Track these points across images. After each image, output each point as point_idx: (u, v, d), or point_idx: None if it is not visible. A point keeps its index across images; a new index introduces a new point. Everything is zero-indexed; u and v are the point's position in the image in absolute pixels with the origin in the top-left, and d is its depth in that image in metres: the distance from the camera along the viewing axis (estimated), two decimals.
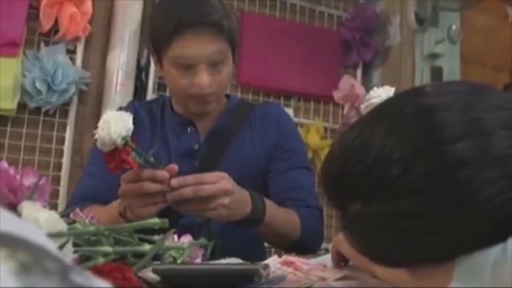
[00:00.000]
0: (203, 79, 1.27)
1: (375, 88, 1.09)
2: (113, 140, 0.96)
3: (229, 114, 1.43)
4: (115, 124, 0.96)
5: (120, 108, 1.49)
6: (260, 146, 1.42)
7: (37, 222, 0.59)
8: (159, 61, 1.34)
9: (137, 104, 1.51)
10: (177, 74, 1.29)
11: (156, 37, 1.31)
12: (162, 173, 1.06)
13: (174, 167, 1.08)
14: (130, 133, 0.99)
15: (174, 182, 1.06)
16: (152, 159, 1.05)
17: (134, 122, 1.38)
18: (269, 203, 1.22)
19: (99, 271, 0.54)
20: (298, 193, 1.37)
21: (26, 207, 0.62)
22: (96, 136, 0.99)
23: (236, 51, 1.37)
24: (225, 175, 1.11)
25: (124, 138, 0.97)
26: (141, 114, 1.43)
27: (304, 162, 1.45)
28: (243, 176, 1.30)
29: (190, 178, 1.07)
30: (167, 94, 2.48)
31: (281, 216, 1.27)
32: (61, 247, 0.59)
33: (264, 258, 1.35)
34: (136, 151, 1.01)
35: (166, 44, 1.27)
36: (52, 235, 0.60)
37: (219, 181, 1.09)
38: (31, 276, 0.27)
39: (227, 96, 1.50)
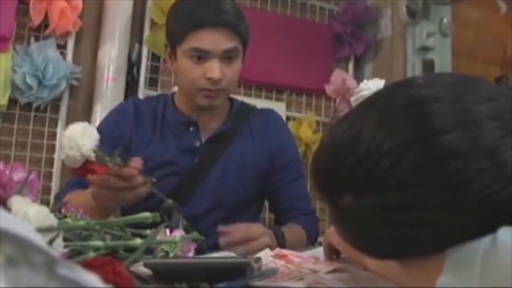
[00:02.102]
0: (215, 70, 1.31)
1: (365, 81, 1.09)
2: (85, 157, 0.97)
3: (234, 118, 1.47)
4: (83, 140, 0.97)
5: (121, 105, 1.52)
6: (261, 150, 1.47)
7: (27, 217, 0.59)
8: (172, 55, 1.38)
9: (138, 100, 1.54)
10: (189, 65, 1.33)
11: (173, 32, 1.36)
12: (128, 171, 1.07)
13: (139, 160, 1.10)
14: (98, 143, 0.99)
15: (222, 242, 1.14)
16: (118, 159, 1.06)
17: (135, 117, 1.42)
18: (287, 235, 1.30)
19: (89, 265, 0.54)
20: (301, 202, 1.49)
21: (16, 202, 0.61)
22: (62, 157, 1.00)
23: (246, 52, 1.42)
24: (265, 230, 1.20)
25: (95, 151, 0.98)
26: (142, 109, 1.46)
27: (302, 170, 1.54)
28: (242, 177, 1.41)
29: (237, 236, 1.15)
30: (159, 90, 2.48)
31: (295, 240, 1.35)
32: (51, 241, 0.58)
33: None
34: (103, 157, 1.01)
35: (182, 38, 1.32)
36: (42, 230, 0.59)
37: (261, 236, 1.17)
38: (18, 269, 0.27)
39: (230, 100, 1.52)
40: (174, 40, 1.36)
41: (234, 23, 1.33)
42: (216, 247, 1.16)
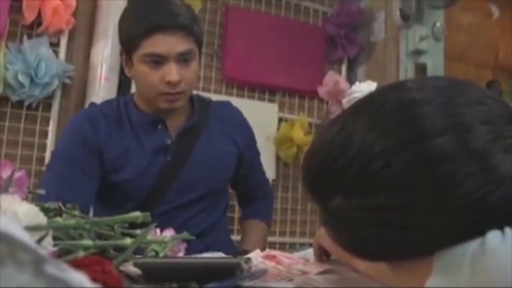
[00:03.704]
0: (173, 73, 1.31)
1: (357, 83, 1.09)
2: None
3: (198, 112, 1.48)
4: None
5: (83, 111, 1.50)
6: (229, 138, 1.52)
7: (16, 215, 0.59)
8: (128, 61, 1.37)
9: (100, 106, 1.51)
10: (147, 71, 1.33)
11: (127, 38, 1.35)
12: None
13: None
14: None
15: None
16: None
17: (105, 123, 1.40)
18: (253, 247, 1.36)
19: (78, 264, 0.54)
20: (262, 183, 1.70)
21: (4, 200, 0.61)
22: None
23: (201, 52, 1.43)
24: None
25: None
26: (108, 114, 1.43)
27: (259, 156, 1.67)
28: (215, 167, 1.46)
29: None
30: None
31: (262, 242, 1.56)
32: (40, 240, 0.58)
33: (228, 242, 1.55)
34: None
35: (136, 44, 1.32)
36: (31, 228, 0.59)
37: None
38: (5, 267, 0.27)
39: None
40: (128, 46, 1.35)
41: (187, 25, 1.33)
42: (198, 238, 1.17)
